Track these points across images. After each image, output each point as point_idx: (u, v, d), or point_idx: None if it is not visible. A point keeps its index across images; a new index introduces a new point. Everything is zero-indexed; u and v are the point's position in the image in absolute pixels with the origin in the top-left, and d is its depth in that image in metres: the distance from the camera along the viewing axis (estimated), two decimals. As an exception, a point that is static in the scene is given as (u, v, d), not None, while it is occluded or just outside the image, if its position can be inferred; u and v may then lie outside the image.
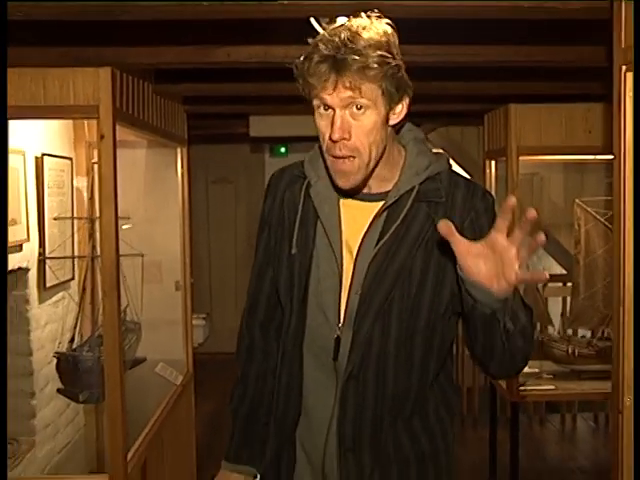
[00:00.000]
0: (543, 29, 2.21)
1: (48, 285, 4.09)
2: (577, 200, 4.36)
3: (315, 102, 1.57)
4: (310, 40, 1.57)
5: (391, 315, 1.64)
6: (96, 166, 4.15)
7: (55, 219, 4.08)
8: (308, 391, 1.73)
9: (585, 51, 2.58)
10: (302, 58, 1.56)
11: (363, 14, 1.57)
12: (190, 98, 4.21)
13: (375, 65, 1.49)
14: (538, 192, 6.20)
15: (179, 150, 4.38)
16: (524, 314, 1.58)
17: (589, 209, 4.26)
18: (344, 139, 1.54)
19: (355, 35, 1.51)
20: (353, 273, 1.66)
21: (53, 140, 4.22)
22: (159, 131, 3.80)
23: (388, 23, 1.58)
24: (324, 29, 2.31)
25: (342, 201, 1.69)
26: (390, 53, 1.53)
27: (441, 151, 1.71)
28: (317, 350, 1.70)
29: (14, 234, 3.67)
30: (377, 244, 1.64)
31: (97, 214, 4.12)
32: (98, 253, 4.09)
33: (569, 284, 4.83)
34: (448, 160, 1.71)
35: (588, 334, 4.81)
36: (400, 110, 1.59)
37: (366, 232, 1.65)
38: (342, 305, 1.67)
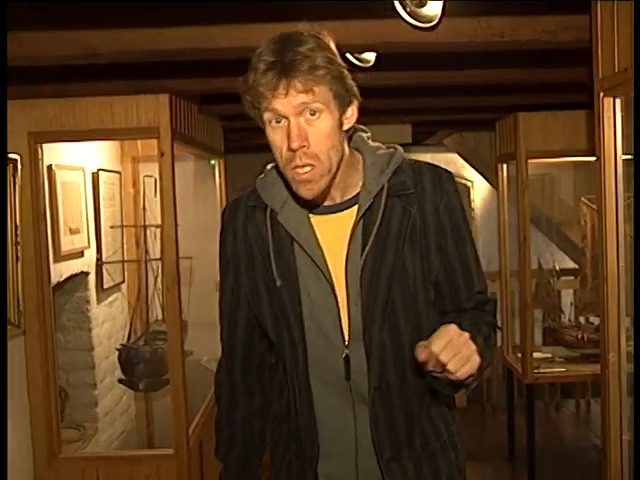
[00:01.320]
0: (542, 54, 2.58)
1: (105, 287, 4.55)
2: (583, 198, 4.75)
3: (266, 116, 1.48)
4: (250, 55, 1.49)
5: (396, 316, 1.61)
6: (145, 178, 4.64)
7: (112, 227, 4.53)
8: (324, 418, 1.66)
9: (580, 71, 2.96)
10: (246, 74, 1.49)
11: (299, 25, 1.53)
12: (226, 116, 4.65)
13: (323, 64, 1.44)
14: (549, 191, 6.58)
15: (217, 161, 4.84)
16: (488, 346, 1.61)
17: (593, 206, 4.64)
18: (303, 146, 1.47)
19: (297, 40, 1.46)
20: (347, 287, 1.60)
21: (105, 156, 4.68)
22: (202, 146, 4.25)
23: (324, 31, 1.54)
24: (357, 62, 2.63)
25: (313, 219, 1.63)
26: (334, 54, 1.49)
27: (397, 147, 1.66)
28: (324, 375, 1.64)
29: (77, 242, 4.12)
30: (363, 251, 1.59)
31: (148, 222, 4.60)
32: (150, 257, 4.57)
33: (580, 277, 5.21)
34: (402, 151, 1.66)
35: (597, 321, 5.18)
36: (351, 114, 1.54)
37: (349, 242, 1.60)
38: (344, 322, 1.62)
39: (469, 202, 8.96)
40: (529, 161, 4.44)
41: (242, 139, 6.42)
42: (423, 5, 2.21)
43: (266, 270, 1.64)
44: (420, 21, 2.24)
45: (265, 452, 1.82)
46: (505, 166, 5.03)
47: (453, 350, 1.39)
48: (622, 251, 2.04)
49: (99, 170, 4.45)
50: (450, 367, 1.39)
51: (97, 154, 4.52)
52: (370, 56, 2.77)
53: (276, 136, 1.49)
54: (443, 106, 4.49)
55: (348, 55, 2.47)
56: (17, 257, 3.16)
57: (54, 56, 2.42)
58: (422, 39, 2.33)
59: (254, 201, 1.67)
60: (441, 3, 2.15)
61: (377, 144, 1.66)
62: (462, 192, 8.73)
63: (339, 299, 1.60)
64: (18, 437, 3.30)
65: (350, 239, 1.59)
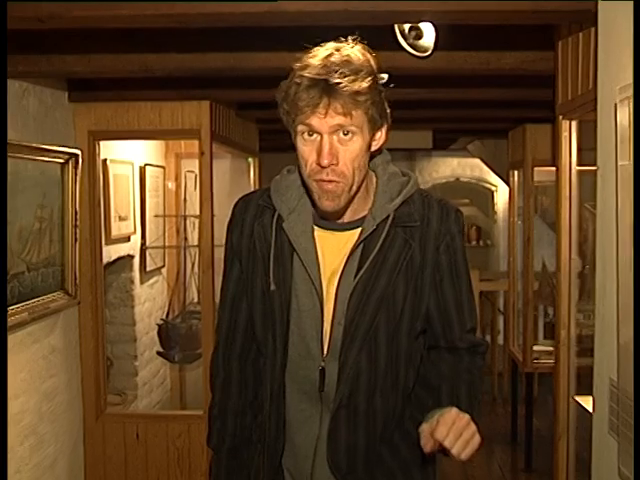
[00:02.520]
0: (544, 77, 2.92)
1: (147, 270, 5.07)
2: (585, 204, 5.14)
3: (300, 128, 1.50)
4: (295, 65, 1.50)
5: (377, 342, 1.63)
6: (187, 173, 5.16)
7: (155, 216, 5.05)
8: (292, 419, 1.70)
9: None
10: (286, 83, 1.50)
11: (345, 39, 1.54)
12: (262, 119, 5.13)
13: (366, 90, 1.45)
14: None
15: (253, 159, 5.34)
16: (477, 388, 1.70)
17: (594, 211, 5.02)
18: (332, 164, 1.49)
19: (345, 59, 1.46)
20: (335, 304, 1.62)
21: (151, 153, 5.20)
22: (239, 146, 4.74)
23: (368, 49, 1.55)
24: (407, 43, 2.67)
25: (317, 232, 1.64)
26: (375, 79, 1.50)
27: (412, 176, 1.68)
28: (300, 381, 1.68)
29: (125, 228, 4.64)
30: (357, 274, 1.60)
31: (187, 212, 5.12)
32: (189, 244, 5.08)
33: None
34: (416, 180, 1.68)
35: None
36: (379, 137, 1.56)
37: (345, 263, 1.62)
38: (325, 337, 1.64)
39: (492, 206, 9.31)
40: (542, 169, 4.84)
41: (276, 140, 6.91)
42: (420, 38, 2.66)
43: (264, 271, 1.66)
44: (418, 51, 2.69)
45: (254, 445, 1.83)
46: (516, 172, 5.44)
47: (455, 435, 1.43)
48: (574, 245, 2.49)
49: (146, 165, 4.97)
50: (454, 452, 1.43)
51: (144, 150, 5.04)
52: (429, 42, 2.60)
53: (306, 148, 1.51)
54: (460, 116, 4.92)
55: (401, 40, 2.51)
56: (76, 238, 3.68)
57: (116, 71, 2.93)
58: (422, 66, 2.77)
59: (265, 201, 1.69)
60: (434, 37, 2.60)
61: (394, 170, 1.67)
62: (486, 196, 9.13)
63: (325, 315, 1.63)
64: (70, 395, 3.83)
65: (347, 260, 1.61)
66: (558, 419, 2.54)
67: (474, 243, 9.33)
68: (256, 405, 1.80)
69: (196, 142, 3.87)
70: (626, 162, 1.61)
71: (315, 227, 1.65)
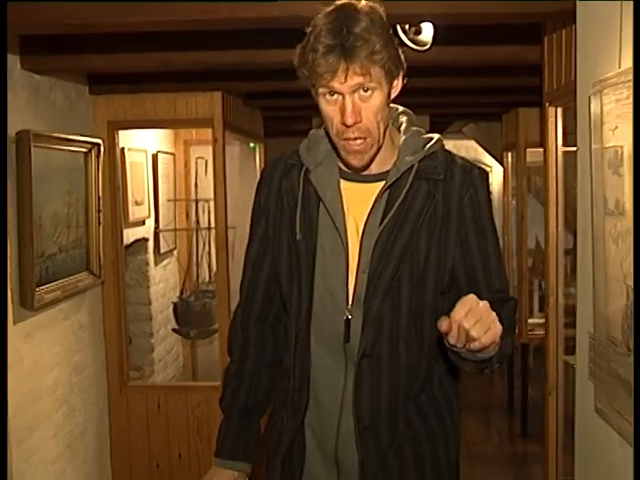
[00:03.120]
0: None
1: (161, 252, 5.34)
2: (573, 183, 5.40)
3: (321, 90, 1.53)
4: (309, 28, 1.54)
5: (400, 292, 1.62)
6: (198, 160, 5.42)
7: (169, 201, 5.32)
8: (317, 377, 1.69)
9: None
10: (302, 49, 1.54)
11: None
12: (266, 107, 5.39)
13: (381, 48, 1.48)
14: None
15: (257, 145, 5.60)
16: (512, 327, 1.63)
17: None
18: (356, 122, 1.52)
19: (355, 19, 1.48)
20: (360, 253, 1.63)
21: (162, 140, 5.46)
22: (246, 132, 5.00)
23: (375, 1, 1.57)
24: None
25: (343, 184, 1.68)
26: (387, 31, 1.53)
27: (436, 135, 1.71)
28: (325, 335, 1.67)
29: (140, 212, 4.91)
30: (381, 223, 1.62)
31: (198, 197, 5.39)
32: (200, 226, 5.36)
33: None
34: (441, 139, 1.71)
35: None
36: (397, 84, 1.59)
37: (370, 212, 1.64)
38: (350, 286, 1.64)
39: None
40: (534, 150, 5.10)
41: (279, 126, 7.18)
42: (419, 33, 2.92)
43: (291, 223, 1.68)
44: (418, 45, 2.95)
45: (267, 408, 1.84)
46: (510, 154, 5.71)
47: (475, 317, 1.34)
48: (560, 219, 2.76)
49: (158, 152, 5.23)
50: (473, 333, 1.33)
51: (156, 138, 5.30)
52: (427, 37, 2.85)
53: (330, 108, 1.54)
54: (456, 102, 5.17)
55: (402, 36, 2.70)
56: (99, 222, 3.94)
57: (139, 67, 3.19)
58: (421, 58, 3.02)
59: (294, 160, 1.73)
60: (432, 33, 2.86)
61: (418, 128, 1.71)
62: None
63: (350, 264, 1.64)
64: (96, 368, 4.11)
65: (371, 210, 1.63)
66: (548, 377, 2.83)
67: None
68: (274, 369, 1.82)
69: (204, 130, 4.13)
70: (598, 146, 1.88)
71: (341, 179, 1.68)
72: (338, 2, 1.53)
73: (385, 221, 1.61)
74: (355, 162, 1.60)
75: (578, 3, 2.14)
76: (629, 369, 1.71)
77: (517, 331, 5.32)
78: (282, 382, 1.79)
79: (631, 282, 1.68)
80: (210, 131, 4.08)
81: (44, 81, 3.41)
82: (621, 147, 1.71)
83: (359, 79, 1.48)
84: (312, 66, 1.49)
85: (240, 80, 3.89)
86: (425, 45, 2.96)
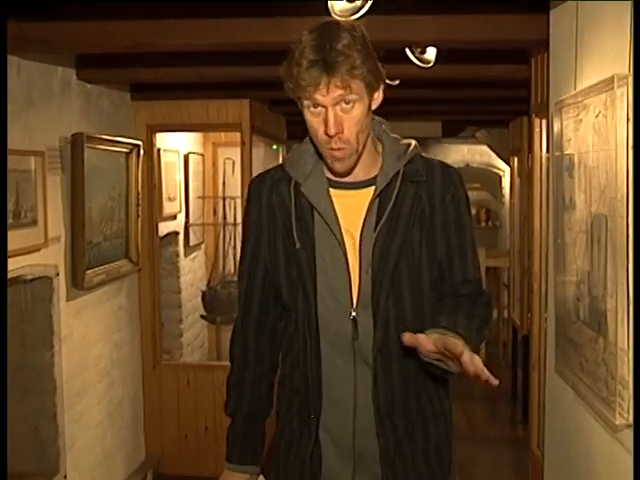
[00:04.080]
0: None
1: (190, 245, 5.80)
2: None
3: (306, 102, 1.61)
4: (292, 45, 1.62)
5: (401, 288, 1.73)
6: (226, 160, 5.87)
7: (199, 197, 5.78)
8: (328, 376, 1.76)
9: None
10: (288, 64, 1.61)
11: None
12: (289, 112, 5.83)
13: (361, 63, 1.56)
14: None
15: (280, 147, 6.04)
16: (483, 321, 1.76)
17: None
18: (338, 133, 1.60)
19: (337, 36, 1.57)
20: (360, 256, 1.72)
21: (192, 142, 5.92)
22: (270, 135, 5.45)
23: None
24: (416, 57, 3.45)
25: (333, 192, 1.76)
26: (367, 47, 1.61)
27: (413, 141, 1.82)
28: (331, 335, 1.75)
29: (173, 207, 5.36)
30: (377, 226, 1.71)
31: (226, 194, 5.84)
32: (227, 222, 5.81)
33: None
34: (417, 145, 1.81)
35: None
36: (378, 96, 1.67)
37: (365, 216, 1.73)
38: (354, 287, 1.73)
39: (500, 189, 9.95)
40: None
41: (301, 129, 7.64)
42: (424, 52, 3.35)
43: (287, 234, 1.76)
44: (423, 63, 3.38)
45: (270, 411, 1.93)
46: (515, 158, 6.10)
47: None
48: (544, 214, 3.15)
49: (189, 153, 5.69)
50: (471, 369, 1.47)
51: (187, 140, 5.76)
52: (431, 56, 3.26)
53: (314, 119, 1.62)
54: (465, 109, 5.59)
55: (409, 55, 3.11)
56: (138, 215, 4.39)
57: (177, 77, 3.64)
58: (426, 74, 3.44)
59: (280, 175, 1.79)
60: (435, 53, 3.28)
61: (396, 136, 1.82)
62: (494, 180, 9.78)
63: (351, 266, 1.73)
64: (132, 347, 4.56)
65: (366, 214, 1.72)
66: (532, 353, 3.23)
67: (483, 224, 9.99)
68: (272, 376, 1.91)
69: (231, 133, 4.57)
70: (559, 153, 2.29)
71: (331, 188, 1.76)
72: (322, 21, 1.65)
73: (380, 224, 1.71)
74: (338, 167, 1.69)
75: (551, 35, 2.55)
76: (578, 334, 2.12)
77: (520, 323, 5.71)
78: (284, 389, 1.88)
79: (580, 263, 2.10)
80: (236, 134, 4.53)
81: (94, 89, 3.87)
82: (574, 155, 2.12)
83: (340, 92, 1.57)
84: (297, 80, 1.57)
85: (265, 89, 4.34)
86: (429, 63, 3.39)
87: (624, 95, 1.66)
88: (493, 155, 9.01)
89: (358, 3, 2.52)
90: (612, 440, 1.88)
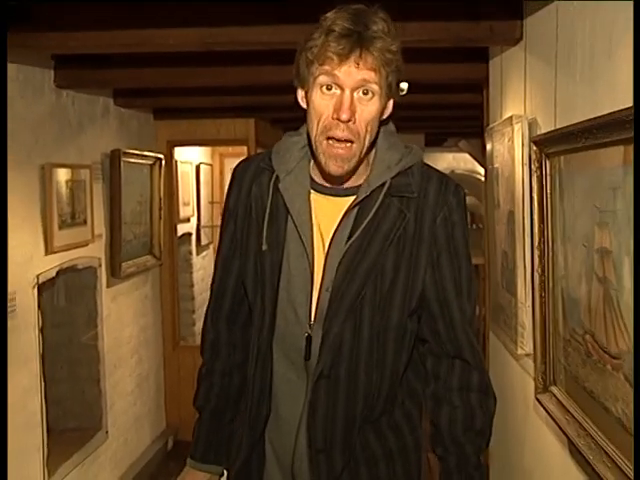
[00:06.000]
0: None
1: (202, 244, 6.58)
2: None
3: (321, 79, 1.43)
4: (323, 17, 1.44)
5: (363, 313, 1.56)
6: (231, 170, 6.68)
7: (209, 202, 6.56)
8: (278, 390, 1.64)
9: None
10: (313, 34, 1.44)
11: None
12: (287, 128, 6.62)
13: (394, 51, 1.42)
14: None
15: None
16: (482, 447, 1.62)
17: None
18: (350, 120, 1.43)
19: (373, 18, 1.43)
20: (324, 270, 1.56)
21: (202, 154, 6.70)
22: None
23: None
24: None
25: (313, 196, 1.59)
26: (399, 47, 1.46)
27: (415, 147, 1.61)
28: (287, 349, 1.62)
29: (187, 211, 6.13)
30: (348, 240, 1.54)
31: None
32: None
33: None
34: (420, 153, 1.60)
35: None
36: (390, 106, 1.52)
37: (337, 228, 1.56)
38: (314, 303, 1.58)
39: (484, 194, 10.73)
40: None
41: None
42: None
43: (258, 232, 1.61)
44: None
45: (239, 410, 1.78)
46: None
47: None
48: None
49: (200, 163, 6.47)
50: None
51: (198, 152, 6.54)
52: (404, 86, 3.84)
53: (323, 101, 1.45)
54: (445, 125, 6.41)
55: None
56: (160, 217, 5.16)
57: (194, 103, 4.44)
58: (403, 100, 4.24)
59: (265, 164, 1.63)
60: (407, 84, 4.07)
61: (396, 140, 1.60)
62: (478, 186, 10.58)
63: (315, 279, 1.57)
64: (155, 330, 5.33)
65: (338, 226, 1.56)
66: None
67: (469, 227, 10.82)
68: (245, 369, 1.76)
69: (239, 147, 5.37)
70: (491, 166, 3.07)
71: (312, 191, 1.59)
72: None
73: (352, 239, 1.54)
74: (334, 168, 1.50)
75: (490, 77, 3.32)
76: (502, 298, 2.89)
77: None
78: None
79: (502, 246, 2.87)
80: (242, 147, 5.33)
81: (126, 113, 4.65)
82: (498, 168, 2.90)
83: (367, 73, 1.41)
84: (322, 47, 1.40)
85: (268, 112, 5.14)
86: (403, 91, 4.18)
87: (520, 129, 2.43)
88: (475, 163, 9.79)
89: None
90: (517, 364, 2.66)
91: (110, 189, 4.35)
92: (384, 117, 1.53)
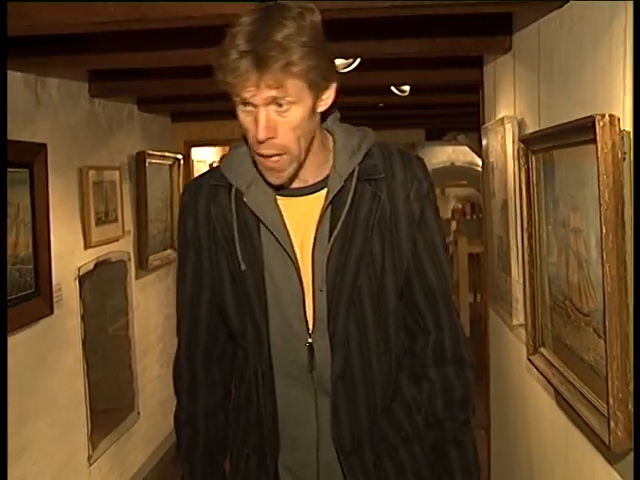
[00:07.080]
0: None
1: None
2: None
3: (236, 98, 1.37)
4: (229, 29, 1.36)
5: (363, 304, 1.53)
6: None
7: (222, 199, 6.93)
8: (285, 414, 1.58)
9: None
10: (219, 49, 1.36)
11: None
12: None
13: (300, 59, 1.32)
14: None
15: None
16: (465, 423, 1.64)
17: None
18: (270, 138, 1.37)
19: (279, 23, 1.31)
20: (313, 271, 1.51)
21: (215, 153, 7.06)
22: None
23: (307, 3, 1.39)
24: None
25: (281, 201, 1.52)
26: (315, 40, 1.35)
27: (367, 129, 1.58)
28: (287, 367, 1.56)
29: (202, 208, 6.49)
30: (331, 235, 1.49)
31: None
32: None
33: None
34: (372, 133, 1.57)
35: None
36: (327, 97, 1.44)
37: (317, 225, 1.50)
38: (308, 309, 1.53)
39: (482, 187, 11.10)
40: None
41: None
42: (402, 86, 4.50)
43: (230, 254, 1.53)
44: (401, 92, 4.52)
45: (228, 447, 1.73)
46: (487, 159, 7.24)
47: None
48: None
49: (213, 162, 6.83)
50: None
51: (211, 152, 6.91)
52: (406, 88, 4.53)
53: (246, 117, 1.40)
54: (444, 120, 6.77)
55: (392, 88, 4.37)
56: (180, 214, 5.52)
57: (209, 107, 4.80)
58: (404, 100, 4.59)
59: (217, 180, 1.56)
60: (409, 87, 4.42)
61: (347, 125, 1.58)
62: (477, 178, 10.91)
63: (305, 284, 1.52)
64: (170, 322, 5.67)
65: (318, 223, 1.51)
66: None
67: (468, 217, 11.19)
68: (227, 405, 1.72)
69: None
70: (487, 160, 3.42)
71: (278, 196, 1.53)
72: (269, 2, 1.40)
73: (335, 232, 1.50)
74: (273, 179, 1.47)
75: (484, 80, 3.67)
76: (499, 277, 3.24)
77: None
78: (237, 417, 1.71)
79: (498, 231, 3.22)
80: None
81: (148, 117, 5.01)
82: (493, 162, 3.25)
83: (271, 92, 1.34)
84: (224, 69, 1.35)
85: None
86: (405, 92, 4.54)
87: (510, 129, 2.78)
88: (475, 155, 10.14)
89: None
90: (512, 334, 3.02)
91: (137, 188, 4.70)
92: (323, 108, 1.48)
